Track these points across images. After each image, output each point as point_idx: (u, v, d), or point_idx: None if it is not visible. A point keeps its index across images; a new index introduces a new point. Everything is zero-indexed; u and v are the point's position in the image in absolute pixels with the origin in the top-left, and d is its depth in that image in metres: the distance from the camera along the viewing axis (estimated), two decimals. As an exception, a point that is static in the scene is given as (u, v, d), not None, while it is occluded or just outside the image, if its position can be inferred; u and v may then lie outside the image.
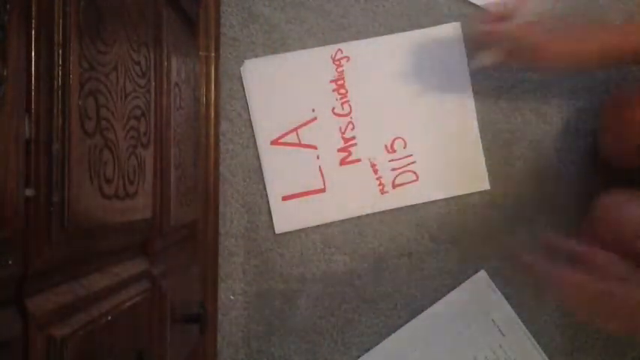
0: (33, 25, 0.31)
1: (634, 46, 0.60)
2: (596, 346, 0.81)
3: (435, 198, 0.82)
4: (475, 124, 0.82)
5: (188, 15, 0.71)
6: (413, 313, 0.82)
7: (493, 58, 0.67)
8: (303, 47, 0.83)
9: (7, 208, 0.29)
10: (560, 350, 0.81)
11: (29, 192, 0.31)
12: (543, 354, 0.81)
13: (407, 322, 0.82)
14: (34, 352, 0.32)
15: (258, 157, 0.82)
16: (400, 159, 0.82)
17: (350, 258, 0.83)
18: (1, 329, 0.29)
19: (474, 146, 0.82)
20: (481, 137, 0.82)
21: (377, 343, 0.82)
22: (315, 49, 0.83)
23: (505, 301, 0.81)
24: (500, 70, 0.80)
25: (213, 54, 0.81)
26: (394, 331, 0.82)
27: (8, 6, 0.28)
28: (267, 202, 0.82)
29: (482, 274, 0.81)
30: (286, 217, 0.82)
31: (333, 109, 0.83)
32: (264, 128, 0.83)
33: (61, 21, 0.34)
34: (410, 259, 0.82)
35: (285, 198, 0.82)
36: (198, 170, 0.75)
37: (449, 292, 0.82)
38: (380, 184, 0.82)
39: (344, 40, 0.83)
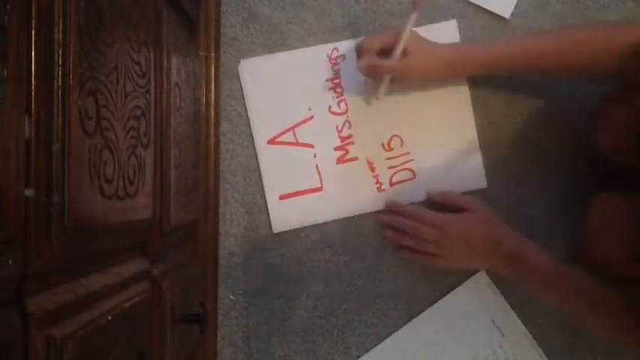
0: (33, 25, 0.31)
1: (483, 61, 0.74)
2: (596, 346, 0.81)
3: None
4: (472, 121, 0.82)
5: (188, 15, 0.71)
6: (413, 313, 0.82)
7: (387, 89, 0.78)
8: (303, 47, 0.83)
9: (7, 208, 0.29)
10: (560, 350, 0.81)
11: (29, 192, 0.31)
12: (543, 354, 0.81)
13: (407, 322, 0.82)
14: (34, 352, 0.32)
15: (257, 157, 0.83)
16: (397, 157, 0.82)
17: (350, 258, 0.83)
18: (1, 329, 0.29)
19: (471, 144, 0.82)
20: (478, 135, 0.82)
21: (377, 343, 0.82)
22: (311, 47, 0.83)
23: (505, 301, 0.81)
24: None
25: (213, 54, 0.81)
26: (394, 331, 0.82)
27: (8, 6, 0.28)
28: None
29: (482, 274, 0.81)
30: (283, 217, 0.82)
31: (330, 107, 0.83)
32: (261, 127, 0.83)
33: (61, 21, 0.34)
34: (410, 259, 0.82)
35: (282, 197, 0.82)
36: (198, 170, 0.75)
37: (449, 292, 0.82)
38: (377, 182, 0.82)
39: (344, 40, 0.83)
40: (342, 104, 0.83)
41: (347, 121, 0.83)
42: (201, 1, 0.78)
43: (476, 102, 0.82)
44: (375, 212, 0.82)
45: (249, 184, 0.83)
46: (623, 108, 0.69)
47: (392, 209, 0.81)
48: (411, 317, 0.82)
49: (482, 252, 0.76)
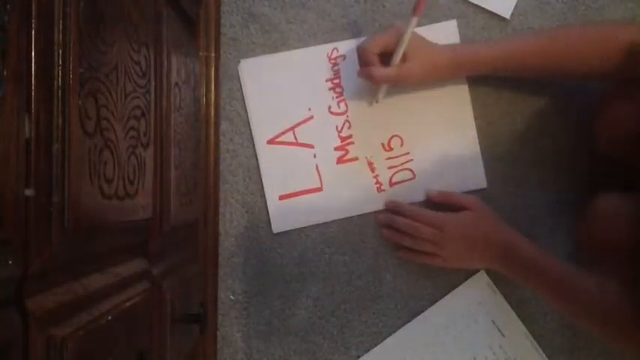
0: (33, 25, 0.31)
1: (483, 61, 0.74)
2: (596, 346, 0.81)
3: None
4: (472, 121, 0.82)
5: (188, 15, 0.71)
6: (413, 313, 0.82)
7: (385, 93, 0.80)
8: (303, 47, 0.83)
9: (7, 208, 0.29)
10: (560, 350, 0.81)
11: (29, 192, 0.31)
12: (543, 354, 0.81)
13: (407, 322, 0.82)
14: (34, 352, 0.32)
15: (257, 157, 0.83)
16: (397, 157, 0.82)
17: (350, 258, 0.83)
18: (1, 329, 0.29)
19: (471, 144, 0.82)
20: (478, 135, 0.82)
21: (377, 343, 0.82)
22: (311, 47, 0.83)
23: (505, 301, 0.81)
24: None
25: (213, 54, 0.81)
26: (394, 331, 0.82)
27: (8, 6, 0.28)
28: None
29: (482, 274, 0.81)
30: (283, 217, 0.82)
31: (330, 107, 0.83)
32: (261, 127, 0.83)
33: (61, 21, 0.34)
34: (410, 259, 0.82)
35: (282, 197, 0.82)
36: (198, 170, 0.75)
37: (449, 292, 0.82)
38: (377, 183, 0.82)
39: (344, 40, 0.83)
40: (342, 104, 0.83)
41: (347, 121, 0.83)
42: (201, 1, 0.78)
43: (476, 102, 0.82)
44: (375, 212, 0.82)
45: (249, 184, 0.83)
46: (625, 104, 0.69)
47: (392, 209, 0.81)
48: (411, 317, 0.82)
49: (481, 251, 0.76)
